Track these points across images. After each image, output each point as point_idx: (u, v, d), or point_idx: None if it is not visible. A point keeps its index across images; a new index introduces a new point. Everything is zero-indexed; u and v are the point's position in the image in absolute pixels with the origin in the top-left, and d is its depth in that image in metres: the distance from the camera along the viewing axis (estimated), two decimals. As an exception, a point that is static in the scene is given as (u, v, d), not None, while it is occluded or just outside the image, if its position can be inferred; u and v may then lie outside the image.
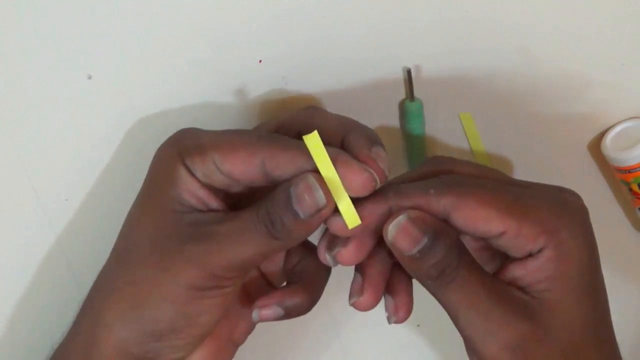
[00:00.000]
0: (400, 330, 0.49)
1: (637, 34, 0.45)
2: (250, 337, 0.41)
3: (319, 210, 0.35)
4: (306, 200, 0.35)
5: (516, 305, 0.36)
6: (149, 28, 0.40)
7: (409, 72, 0.43)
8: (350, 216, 0.35)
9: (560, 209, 0.36)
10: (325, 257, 0.38)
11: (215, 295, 0.36)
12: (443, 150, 0.47)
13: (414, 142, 0.45)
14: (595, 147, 0.48)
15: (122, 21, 0.39)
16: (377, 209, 0.36)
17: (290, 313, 0.39)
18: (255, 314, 0.39)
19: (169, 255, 0.36)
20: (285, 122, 0.39)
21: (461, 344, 0.37)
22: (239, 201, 0.38)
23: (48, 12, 0.38)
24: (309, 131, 0.35)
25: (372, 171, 0.35)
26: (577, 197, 0.38)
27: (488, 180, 0.38)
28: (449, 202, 0.36)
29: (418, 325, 0.50)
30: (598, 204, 0.41)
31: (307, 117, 0.38)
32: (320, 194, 0.35)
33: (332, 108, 0.44)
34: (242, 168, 0.36)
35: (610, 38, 0.45)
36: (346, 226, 0.35)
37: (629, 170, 0.46)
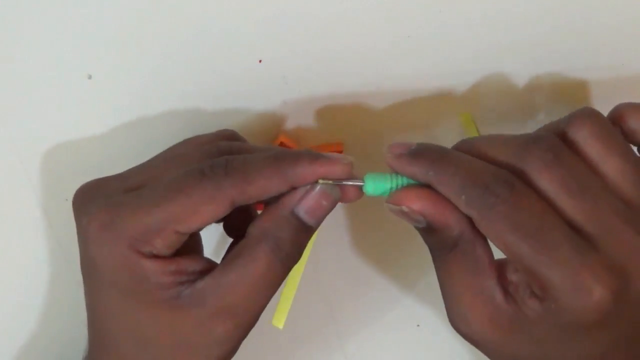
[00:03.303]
0: (400, 330, 0.49)
1: (637, 34, 0.45)
2: (250, 339, 0.40)
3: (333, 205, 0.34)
4: (324, 207, 0.34)
5: None
6: (149, 28, 0.40)
7: None
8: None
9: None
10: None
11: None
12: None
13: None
14: (595, 147, 0.48)
15: (122, 21, 0.39)
16: None
17: None
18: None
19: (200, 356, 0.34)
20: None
21: (461, 343, 0.36)
22: None
23: (48, 11, 0.38)
24: None
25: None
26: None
27: None
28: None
29: (418, 325, 0.50)
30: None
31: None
32: (337, 191, 0.34)
33: (332, 108, 0.44)
34: (211, 219, 0.33)
35: (610, 38, 0.45)
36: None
37: (628, 171, 0.46)
